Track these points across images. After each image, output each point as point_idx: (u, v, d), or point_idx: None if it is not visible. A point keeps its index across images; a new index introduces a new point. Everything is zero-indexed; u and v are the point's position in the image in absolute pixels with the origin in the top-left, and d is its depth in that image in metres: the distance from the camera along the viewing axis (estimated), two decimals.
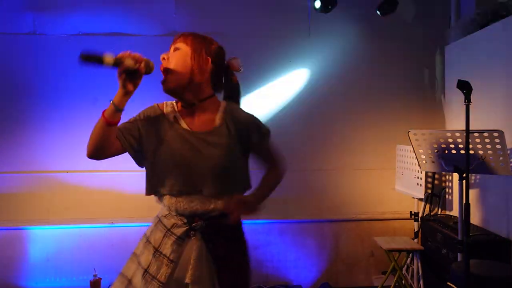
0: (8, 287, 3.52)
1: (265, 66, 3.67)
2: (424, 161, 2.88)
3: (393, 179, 3.78)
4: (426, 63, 3.88)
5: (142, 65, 1.41)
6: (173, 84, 1.51)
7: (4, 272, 3.53)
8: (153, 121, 1.56)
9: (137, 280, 1.52)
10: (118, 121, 1.47)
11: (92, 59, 1.30)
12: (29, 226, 3.54)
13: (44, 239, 3.56)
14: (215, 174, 1.49)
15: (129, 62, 1.36)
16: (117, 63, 1.35)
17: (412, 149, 2.92)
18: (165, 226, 1.54)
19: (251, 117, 1.61)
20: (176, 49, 1.53)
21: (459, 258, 2.69)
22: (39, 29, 3.61)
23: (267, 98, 3.71)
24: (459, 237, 2.67)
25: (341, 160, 3.82)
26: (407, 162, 3.52)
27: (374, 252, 3.78)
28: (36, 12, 3.61)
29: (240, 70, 1.62)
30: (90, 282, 3.46)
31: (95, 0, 3.65)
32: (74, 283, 3.57)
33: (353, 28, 3.81)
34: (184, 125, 1.55)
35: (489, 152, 2.52)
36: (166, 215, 1.56)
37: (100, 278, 3.49)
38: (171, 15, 3.70)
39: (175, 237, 1.50)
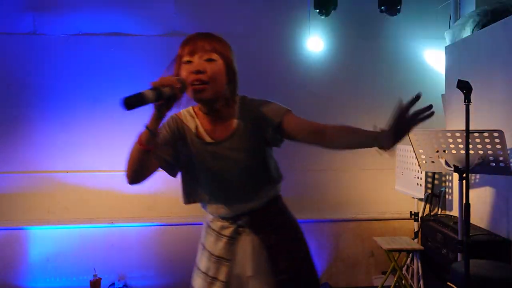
0: (8, 287, 3.52)
1: (265, 66, 3.67)
2: (424, 161, 2.88)
3: (393, 179, 3.78)
4: (426, 63, 3.88)
5: (179, 88, 1.33)
6: (210, 95, 1.43)
7: (4, 272, 3.53)
8: (178, 134, 1.54)
9: (200, 285, 1.59)
10: (156, 145, 1.42)
11: (136, 103, 1.24)
12: (29, 226, 3.54)
13: (44, 239, 3.56)
14: (246, 177, 1.53)
15: (167, 91, 1.30)
16: (158, 96, 1.28)
17: (412, 149, 2.92)
18: (214, 230, 1.60)
19: (265, 104, 1.54)
20: (210, 59, 1.43)
21: (459, 258, 2.69)
22: (39, 29, 3.62)
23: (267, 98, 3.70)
24: (459, 237, 2.67)
25: (341, 160, 3.82)
26: (407, 162, 3.52)
27: (374, 252, 3.78)
28: (36, 12, 3.61)
29: None
30: (90, 282, 3.46)
31: (95, 0, 3.65)
32: (74, 283, 3.57)
33: (353, 28, 3.82)
34: (207, 138, 1.52)
35: (489, 152, 2.52)
36: (212, 219, 1.62)
37: (100, 278, 3.48)
38: (171, 15, 3.70)
39: (226, 237, 1.56)
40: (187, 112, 1.58)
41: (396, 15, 3.53)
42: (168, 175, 1.64)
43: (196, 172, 1.55)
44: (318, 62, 3.81)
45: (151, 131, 1.37)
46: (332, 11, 3.52)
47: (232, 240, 1.55)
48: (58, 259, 3.56)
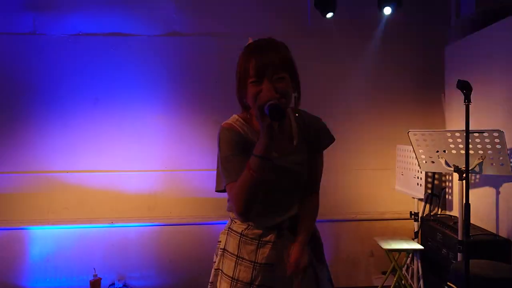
0: (8, 287, 3.53)
1: None
2: (424, 161, 2.88)
3: (393, 179, 3.78)
4: (426, 63, 3.87)
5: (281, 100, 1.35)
6: (282, 114, 1.31)
7: (4, 272, 3.54)
8: (244, 147, 1.45)
9: None
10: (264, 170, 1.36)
11: (281, 116, 1.26)
12: (29, 226, 3.55)
13: (44, 239, 3.56)
14: (299, 187, 1.59)
15: (284, 106, 1.33)
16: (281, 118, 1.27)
17: (412, 149, 2.92)
18: (253, 238, 1.55)
19: (321, 122, 1.67)
20: (280, 78, 1.39)
21: (459, 258, 2.70)
22: (39, 29, 3.61)
23: None
24: (459, 237, 2.67)
25: (341, 160, 3.82)
26: (407, 162, 3.52)
27: (374, 252, 3.78)
28: (36, 12, 3.61)
29: None
30: (90, 282, 3.46)
31: (95, 0, 3.65)
32: (74, 283, 3.57)
33: (353, 28, 3.81)
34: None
35: (489, 152, 2.52)
36: (247, 227, 1.56)
37: (100, 278, 3.49)
38: (171, 15, 3.70)
39: (270, 243, 1.54)
40: (238, 121, 1.51)
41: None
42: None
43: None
44: (317, 61, 3.81)
45: (263, 157, 1.33)
46: (332, 10, 3.53)
47: (275, 245, 1.54)
48: (58, 259, 3.56)
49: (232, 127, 1.48)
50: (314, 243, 1.64)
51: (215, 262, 1.64)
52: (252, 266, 1.53)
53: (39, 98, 3.61)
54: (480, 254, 2.68)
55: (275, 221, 1.55)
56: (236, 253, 1.56)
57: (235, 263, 1.56)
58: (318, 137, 1.65)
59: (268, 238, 1.54)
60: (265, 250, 1.53)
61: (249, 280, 1.52)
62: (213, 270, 1.63)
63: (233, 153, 1.44)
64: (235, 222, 1.60)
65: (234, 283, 1.53)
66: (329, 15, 3.57)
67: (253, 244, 1.54)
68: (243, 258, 1.55)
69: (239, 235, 1.57)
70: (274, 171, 1.46)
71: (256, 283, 1.53)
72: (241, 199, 1.39)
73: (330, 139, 1.69)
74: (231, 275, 1.55)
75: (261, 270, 1.53)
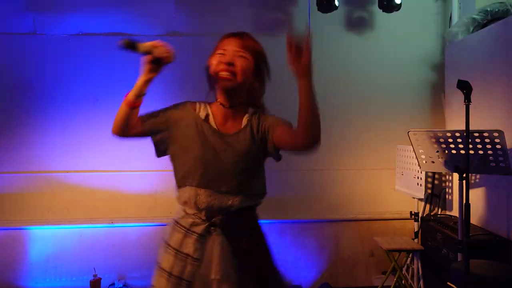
0: (8, 287, 3.53)
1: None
2: (424, 161, 2.88)
3: (393, 179, 3.78)
4: (426, 63, 3.87)
5: (169, 55, 1.52)
6: (233, 86, 1.53)
7: (4, 272, 3.54)
8: (182, 115, 1.61)
9: (163, 285, 1.54)
10: (139, 105, 1.58)
11: (129, 45, 1.49)
12: (29, 226, 3.55)
13: (44, 239, 3.56)
14: (232, 174, 1.53)
15: (157, 52, 1.50)
16: (148, 51, 1.48)
17: (412, 149, 2.92)
18: (183, 226, 1.55)
19: (276, 118, 1.64)
20: (242, 56, 1.54)
21: (459, 258, 2.69)
22: (39, 29, 3.61)
23: (267, 98, 3.70)
24: (459, 237, 2.67)
25: (341, 160, 3.82)
26: (407, 162, 3.52)
27: (374, 252, 3.78)
28: (36, 12, 3.61)
29: None
30: (90, 282, 3.46)
31: (95, 0, 3.65)
32: (74, 283, 3.57)
33: (353, 28, 3.81)
34: (213, 125, 1.59)
35: (489, 152, 2.52)
36: (183, 216, 1.57)
37: (100, 278, 3.49)
38: (171, 15, 3.70)
39: (196, 235, 1.52)
40: (203, 104, 1.65)
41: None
42: (154, 154, 1.68)
43: (188, 154, 1.55)
44: (317, 61, 3.81)
45: (140, 91, 1.59)
46: (332, 9, 3.52)
47: (202, 238, 1.51)
48: (58, 259, 3.56)
49: (189, 103, 1.65)
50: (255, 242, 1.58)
51: None
52: (174, 254, 1.53)
53: (39, 98, 3.60)
54: (480, 254, 2.68)
55: (207, 201, 1.51)
56: (167, 241, 1.58)
57: (164, 251, 1.58)
58: (269, 131, 1.59)
59: (196, 229, 1.52)
60: (189, 240, 1.52)
61: (169, 269, 1.52)
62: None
63: (166, 109, 1.68)
64: (177, 213, 1.60)
65: (159, 271, 1.56)
66: (329, 14, 3.56)
67: (181, 232, 1.54)
68: (169, 245, 1.56)
69: (174, 222, 1.59)
70: (215, 140, 1.54)
71: (174, 273, 1.51)
72: (114, 120, 1.65)
73: (276, 120, 1.62)
74: (160, 263, 1.58)
75: (182, 259, 1.51)
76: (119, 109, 1.59)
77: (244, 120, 1.60)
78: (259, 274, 1.55)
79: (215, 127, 1.58)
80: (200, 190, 1.52)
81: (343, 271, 3.79)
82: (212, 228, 1.52)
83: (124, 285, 3.55)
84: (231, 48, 1.53)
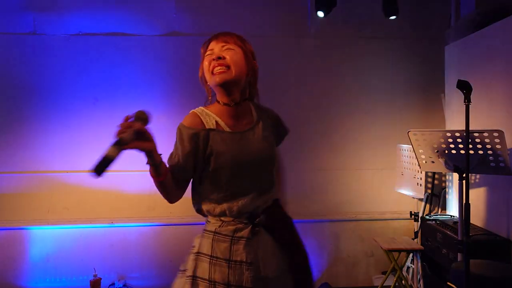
0: (8, 287, 3.53)
1: (264, 66, 3.66)
2: (424, 161, 2.88)
3: (393, 179, 3.78)
4: (426, 63, 3.87)
5: (137, 126, 1.44)
6: (230, 77, 1.49)
7: (4, 272, 3.54)
8: (195, 142, 1.52)
9: None
10: (166, 172, 1.50)
11: (104, 166, 1.32)
12: (29, 226, 3.54)
13: (44, 239, 3.56)
14: (269, 166, 1.57)
15: (126, 136, 1.38)
16: (122, 145, 1.36)
17: (412, 149, 2.92)
18: (226, 235, 1.49)
19: (274, 112, 1.72)
20: (229, 48, 1.52)
21: (459, 258, 2.69)
22: (39, 29, 3.61)
23: (267, 98, 3.70)
24: (459, 237, 2.67)
25: (341, 160, 3.82)
26: (407, 162, 3.52)
27: (374, 252, 3.78)
28: (36, 12, 3.61)
29: None
30: (90, 282, 3.46)
31: (95, 0, 3.65)
32: (74, 283, 3.57)
33: (353, 28, 3.82)
34: (226, 129, 1.53)
35: (489, 152, 2.52)
36: (221, 225, 1.51)
37: (100, 278, 3.49)
38: (171, 15, 3.70)
39: (244, 239, 1.48)
40: (201, 111, 1.57)
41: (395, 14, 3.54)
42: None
43: (226, 166, 1.49)
44: (317, 61, 3.81)
45: (154, 164, 1.48)
46: (332, 9, 3.52)
47: (250, 241, 1.48)
48: (58, 259, 3.56)
49: (191, 119, 1.56)
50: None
51: (184, 270, 1.55)
52: (227, 264, 1.46)
53: (39, 98, 3.61)
54: (480, 254, 2.68)
55: (252, 206, 1.50)
56: (210, 253, 1.49)
57: (210, 264, 1.48)
58: (278, 122, 1.69)
59: (241, 233, 1.48)
60: (239, 247, 1.47)
61: (226, 281, 1.44)
62: (183, 279, 1.53)
63: (184, 147, 1.54)
64: (209, 222, 1.55)
65: (212, 285, 1.45)
66: (329, 15, 3.56)
67: (226, 241, 1.48)
68: (217, 258, 1.48)
69: (212, 233, 1.51)
70: (237, 146, 1.51)
71: (234, 283, 1.44)
72: (162, 195, 1.57)
73: (286, 129, 1.75)
74: (207, 278, 1.46)
75: (237, 268, 1.45)
76: (157, 187, 1.55)
77: (254, 113, 1.61)
78: (306, 263, 1.60)
79: (229, 129, 1.53)
80: (243, 198, 1.50)
81: (343, 271, 3.78)
82: (256, 228, 1.51)
83: (124, 285, 3.55)
84: (216, 46, 1.53)
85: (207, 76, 1.53)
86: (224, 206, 1.51)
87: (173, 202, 1.59)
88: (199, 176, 1.55)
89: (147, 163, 1.46)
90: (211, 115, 1.54)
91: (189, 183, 1.58)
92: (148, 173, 1.49)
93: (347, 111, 3.83)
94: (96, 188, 3.63)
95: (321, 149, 3.83)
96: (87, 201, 3.63)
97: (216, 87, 1.52)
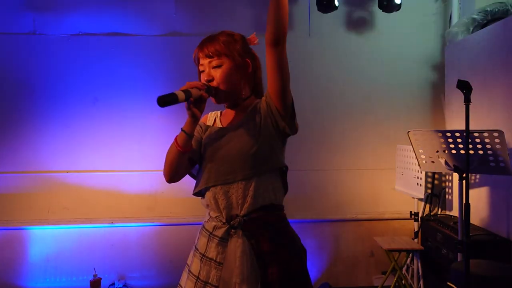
0: (8, 287, 3.53)
1: (264, 66, 3.66)
2: (424, 161, 2.88)
3: (393, 179, 3.78)
4: (426, 63, 3.87)
5: (205, 95, 1.50)
6: (223, 98, 1.58)
7: (4, 272, 3.54)
8: (202, 131, 1.67)
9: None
10: (191, 148, 1.56)
11: (169, 101, 1.41)
12: (29, 226, 3.55)
13: (44, 239, 3.56)
14: (243, 161, 1.50)
15: (195, 92, 1.46)
16: (187, 97, 1.44)
17: (412, 149, 2.92)
18: (207, 230, 1.57)
19: (266, 96, 1.59)
20: (216, 66, 1.55)
21: (459, 258, 2.70)
22: (39, 29, 3.61)
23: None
24: (459, 237, 2.67)
25: (341, 160, 3.82)
26: (407, 162, 3.52)
27: (374, 252, 3.78)
28: (36, 12, 3.61)
29: (258, 43, 1.66)
30: (90, 282, 3.46)
31: (95, 0, 3.65)
32: (74, 283, 3.57)
33: (353, 28, 3.82)
34: (219, 125, 1.66)
35: (489, 152, 2.52)
36: (208, 220, 1.59)
37: (100, 278, 3.49)
38: (171, 15, 3.70)
39: (218, 238, 1.52)
40: (214, 113, 1.74)
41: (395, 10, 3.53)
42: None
43: (205, 157, 1.58)
44: (317, 61, 3.81)
45: (188, 134, 1.51)
46: (332, 10, 3.53)
47: (223, 241, 1.50)
48: (58, 259, 3.56)
49: (202, 119, 1.70)
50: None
51: None
52: (201, 257, 1.55)
53: (39, 98, 3.61)
54: (480, 254, 2.68)
55: (226, 197, 1.51)
56: (195, 244, 1.62)
57: (193, 255, 1.60)
58: (269, 104, 1.55)
59: (218, 232, 1.52)
60: (212, 245, 1.53)
61: (196, 273, 1.54)
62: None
63: (195, 136, 1.63)
64: (204, 217, 1.63)
65: (188, 274, 1.58)
66: (329, 14, 3.56)
67: (206, 237, 1.56)
68: (197, 250, 1.59)
69: (202, 227, 1.61)
70: (222, 139, 1.56)
71: (202, 278, 1.52)
72: (166, 167, 1.57)
73: (277, 102, 1.57)
74: (189, 266, 1.60)
75: (207, 264, 1.52)
76: (170, 157, 1.56)
77: (248, 111, 1.61)
78: (284, 280, 1.48)
79: (220, 124, 1.66)
80: (217, 188, 1.54)
81: (343, 271, 3.79)
82: (232, 230, 1.50)
83: (124, 285, 3.56)
84: (205, 61, 1.57)
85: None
86: (207, 197, 1.58)
87: (172, 180, 1.60)
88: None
89: (183, 128, 1.52)
90: (217, 115, 1.71)
91: (191, 167, 1.65)
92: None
93: (347, 111, 3.83)
94: (96, 188, 3.64)
95: (321, 149, 3.83)
96: (87, 201, 3.63)
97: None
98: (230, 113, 1.66)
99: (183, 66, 3.69)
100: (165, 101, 1.40)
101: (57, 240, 3.57)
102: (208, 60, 1.55)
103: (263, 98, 1.58)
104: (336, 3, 3.48)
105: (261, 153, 1.51)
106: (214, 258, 1.51)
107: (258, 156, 1.51)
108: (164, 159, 1.57)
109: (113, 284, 3.56)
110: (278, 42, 1.45)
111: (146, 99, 3.64)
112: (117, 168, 3.64)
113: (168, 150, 1.56)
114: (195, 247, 1.61)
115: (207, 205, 1.59)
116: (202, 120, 1.70)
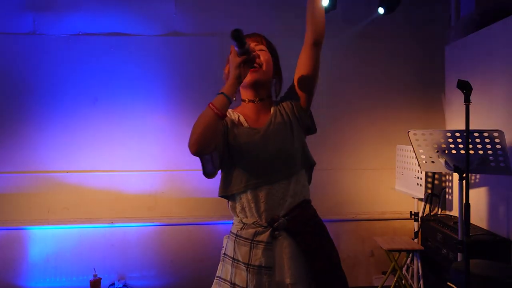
0: (8, 287, 3.52)
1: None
2: (424, 161, 2.88)
3: (393, 179, 3.78)
4: (426, 63, 3.87)
5: (258, 60, 1.51)
6: (262, 77, 1.57)
7: (4, 272, 3.54)
8: (225, 124, 1.56)
9: None
10: (225, 114, 1.44)
11: (241, 39, 1.38)
12: (29, 226, 3.54)
13: (44, 239, 3.56)
14: (282, 159, 1.51)
15: (251, 55, 1.45)
16: (248, 50, 1.42)
17: (412, 149, 2.92)
18: (246, 238, 1.51)
19: (286, 96, 1.67)
20: (261, 49, 1.59)
21: (459, 258, 2.70)
22: (39, 29, 3.61)
23: None
24: (459, 237, 2.67)
25: (341, 160, 3.82)
26: (407, 162, 3.52)
27: (374, 252, 3.78)
28: (36, 12, 3.61)
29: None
30: (90, 282, 3.46)
31: (95, 0, 3.65)
32: (74, 283, 3.57)
33: (353, 28, 3.82)
34: (245, 123, 1.60)
35: (489, 152, 2.52)
36: (242, 227, 1.53)
37: (100, 278, 3.49)
38: (171, 15, 3.70)
39: (263, 244, 1.48)
40: (229, 110, 1.64)
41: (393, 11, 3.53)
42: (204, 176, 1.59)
43: (243, 159, 1.52)
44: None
45: (229, 97, 1.42)
46: (332, 10, 3.52)
47: (269, 245, 1.47)
48: (58, 259, 3.56)
49: None
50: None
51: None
52: (246, 268, 1.47)
53: (38, 98, 3.60)
54: (480, 254, 2.68)
55: (267, 201, 1.49)
56: (232, 256, 1.53)
57: (232, 266, 1.52)
58: (292, 103, 1.62)
59: (261, 237, 1.48)
60: (258, 251, 1.47)
61: (244, 285, 1.46)
62: (215, 280, 1.58)
63: None
64: (233, 225, 1.57)
65: (231, 286, 1.49)
66: (328, 14, 3.56)
67: (247, 245, 1.49)
68: (238, 261, 1.50)
69: (234, 236, 1.54)
70: (257, 141, 1.51)
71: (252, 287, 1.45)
72: (195, 131, 1.39)
73: (298, 98, 1.65)
74: (229, 279, 1.51)
75: (255, 273, 1.46)
76: (203, 123, 1.40)
77: (272, 110, 1.61)
78: (331, 273, 1.54)
79: (247, 125, 1.59)
80: (257, 190, 1.50)
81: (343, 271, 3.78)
82: (276, 232, 1.48)
83: (124, 285, 3.56)
84: (251, 44, 1.51)
85: (231, 66, 1.49)
86: (238, 201, 1.53)
87: (202, 151, 1.43)
88: (223, 166, 1.56)
89: (223, 91, 1.42)
90: (238, 114, 1.62)
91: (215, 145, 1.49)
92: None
93: (347, 111, 3.83)
94: (96, 188, 3.63)
95: (321, 149, 3.82)
96: (87, 201, 3.63)
97: (246, 84, 1.56)
98: (253, 111, 1.60)
99: (183, 66, 3.71)
100: (239, 36, 1.36)
101: (57, 240, 3.57)
102: (255, 44, 1.57)
103: (287, 100, 1.62)
104: (336, 3, 3.48)
105: (297, 152, 1.55)
106: (263, 265, 1.46)
107: (296, 154, 1.54)
108: (192, 128, 1.40)
109: (113, 284, 3.56)
110: (319, 42, 1.61)
111: (146, 99, 3.63)
112: (117, 168, 3.64)
113: (200, 116, 1.41)
114: (233, 258, 1.52)
115: (242, 209, 1.53)
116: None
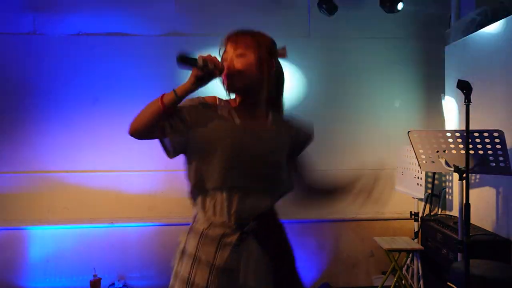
0: (8, 287, 3.53)
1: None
2: (424, 161, 2.88)
3: (393, 179, 3.78)
4: (426, 63, 3.87)
5: (220, 69, 1.43)
6: (237, 86, 1.49)
7: (4, 272, 3.54)
8: (201, 112, 1.49)
9: None
10: (173, 112, 1.43)
11: (188, 62, 1.37)
12: (29, 226, 3.55)
13: (44, 239, 3.56)
14: (268, 169, 1.50)
15: (211, 66, 1.40)
16: (205, 65, 1.39)
17: (412, 149, 2.92)
18: (212, 238, 1.47)
19: (298, 120, 1.65)
20: (240, 55, 1.47)
21: (459, 258, 2.70)
22: (39, 29, 3.62)
23: None
24: (459, 237, 2.67)
25: (341, 160, 3.82)
26: (407, 162, 3.52)
27: (374, 252, 3.78)
28: (36, 12, 3.61)
29: (286, 56, 1.62)
30: (90, 282, 3.46)
31: (95, 0, 3.65)
32: (74, 283, 3.57)
33: (353, 28, 3.82)
34: (238, 121, 1.50)
35: (489, 152, 2.52)
36: (209, 226, 1.49)
37: (100, 278, 3.49)
38: (171, 15, 3.70)
39: (230, 246, 1.45)
40: (223, 100, 1.56)
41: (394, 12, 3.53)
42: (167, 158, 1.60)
43: (222, 153, 1.44)
44: (317, 62, 3.81)
45: (178, 96, 1.41)
46: (333, 10, 3.52)
47: (236, 248, 1.44)
48: (58, 259, 3.56)
49: (204, 99, 1.54)
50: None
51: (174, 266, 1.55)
52: (209, 269, 1.43)
53: (39, 98, 3.61)
54: (480, 254, 2.68)
55: (241, 205, 1.45)
56: (194, 254, 1.48)
57: (191, 265, 1.46)
58: (298, 133, 1.63)
59: (229, 240, 1.44)
60: (224, 253, 1.43)
61: (204, 285, 1.42)
62: (173, 274, 1.55)
63: (181, 107, 1.47)
64: (197, 221, 1.53)
65: (189, 285, 1.44)
66: (330, 14, 3.56)
67: (213, 245, 1.45)
68: (200, 260, 1.45)
69: (199, 235, 1.49)
70: (242, 137, 1.46)
71: None
72: (137, 118, 1.45)
73: (308, 136, 1.70)
74: (187, 278, 1.46)
75: (218, 274, 1.42)
76: (148, 111, 1.44)
77: (270, 117, 1.56)
78: (293, 280, 1.57)
79: (239, 122, 1.50)
80: (232, 193, 1.46)
81: (343, 271, 3.78)
82: (244, 235, 1.46)
83: (124, 285, 3.56)
84: (230, 49, 1.49)
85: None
86: (208, 200, 1.49)
87: (136, 134, 1.46)
88: (188, 159, 1.54)
89: (175, 90, 1.41)
90: (228, 104, 1.54)
91: (162, 134, 1.47)
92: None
93: (347, 111, 3.83)
94: (96, 188, 3.64)
95: (321, 149, 3.81)
96: (87, 201, 3.63)
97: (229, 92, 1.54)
98: (244, 110, 1.53)
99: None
100: (184, 59, 1.35)
101: (57, 240, 3.57)
102: (234, 48, 1.48)
103: (295, 125, 1.63)
104: (336, 4, 3.48)
105: (281, 172, 1.56)
106: (228, 267, 1.44)
107: (279, 174, 1.55)
108: (139, 112, 1.45)
109: (113, 284, 3.56)
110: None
111: (146, 99, 3.60)
112: (117, 168, 3.64)
113: (148, 105, 1.44)
114: (196, 256, 1.47)
115: (212, 207, 1.48)
116: (209, 99, 1.54)
